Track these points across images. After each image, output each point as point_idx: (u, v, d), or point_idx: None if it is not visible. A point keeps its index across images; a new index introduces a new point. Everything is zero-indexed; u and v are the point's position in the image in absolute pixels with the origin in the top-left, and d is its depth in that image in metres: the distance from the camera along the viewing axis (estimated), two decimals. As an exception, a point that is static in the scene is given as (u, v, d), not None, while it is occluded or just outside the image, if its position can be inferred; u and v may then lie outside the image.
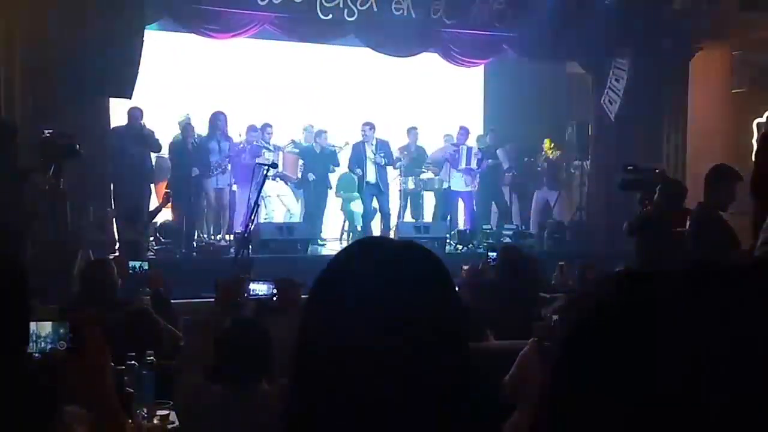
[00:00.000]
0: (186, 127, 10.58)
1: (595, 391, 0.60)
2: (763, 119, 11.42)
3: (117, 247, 9.21)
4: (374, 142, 11.30)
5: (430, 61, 12.45)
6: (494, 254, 7.05)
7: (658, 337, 0.59)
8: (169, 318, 5.16)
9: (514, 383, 4.07)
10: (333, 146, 11.66)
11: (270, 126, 11.35)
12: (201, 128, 10.97)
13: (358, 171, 11.20)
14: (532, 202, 12.75)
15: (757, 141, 10.73)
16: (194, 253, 10.10)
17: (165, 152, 10.75)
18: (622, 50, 12.04)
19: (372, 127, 11.34)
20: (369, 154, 11.30)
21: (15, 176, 6.49)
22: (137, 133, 10.12)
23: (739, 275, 0.62)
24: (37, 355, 1.92)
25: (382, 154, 11.29)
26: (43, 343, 1.94)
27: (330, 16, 10.97)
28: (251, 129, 11.22)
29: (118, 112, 10.22)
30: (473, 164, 11.96)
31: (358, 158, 11.31)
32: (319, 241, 11.48)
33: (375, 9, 11.17)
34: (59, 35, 8.92)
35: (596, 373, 0.61)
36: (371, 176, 11.27)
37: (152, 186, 10.66)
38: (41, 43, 8.87)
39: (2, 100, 8.66)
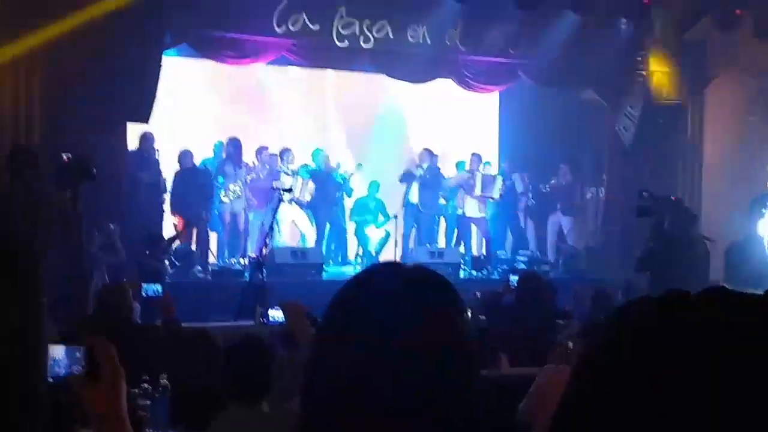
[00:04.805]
0: (184, 154, 10.54)
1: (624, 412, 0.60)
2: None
3: (130, 270, 9.23)
4: (426, 166, 11.75)
5: (444, 87, 12.49)
6: (515, 278, 7.03)
7: (690, 361, 0.59)
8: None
9: (530, 409, 4.05)
10: (346, 173, 11.69)
11: (289, 150, 11.40)
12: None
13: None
14: (548, 228, 12.69)
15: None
16: (209, 277, 10.11)
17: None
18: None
19: (430, 153, 11.94)
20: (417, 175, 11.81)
21: (33, 200, 6.54)
22: (148, 158, 10.19)
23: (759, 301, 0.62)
24: (50, 379, 1.91)
25: (426, 175, 11.71)
26: (56, 367, 1.92)
27: (346, 42, 11.02)
28: (260, 151, 11.25)
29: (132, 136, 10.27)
30: (495, 194, 11.93)
31: (407, 178, 11.87)
32: (332, 266, 11.44)
33: (390, 36, 11.22)
34: (79, 60, 9.03)
35: (625, 396, 0.60)
36: (414, 198, 11.79)
37: (166, 211, 10.64)
38: (61, 68, 8.99)
39: (23, 123, 8.77)
